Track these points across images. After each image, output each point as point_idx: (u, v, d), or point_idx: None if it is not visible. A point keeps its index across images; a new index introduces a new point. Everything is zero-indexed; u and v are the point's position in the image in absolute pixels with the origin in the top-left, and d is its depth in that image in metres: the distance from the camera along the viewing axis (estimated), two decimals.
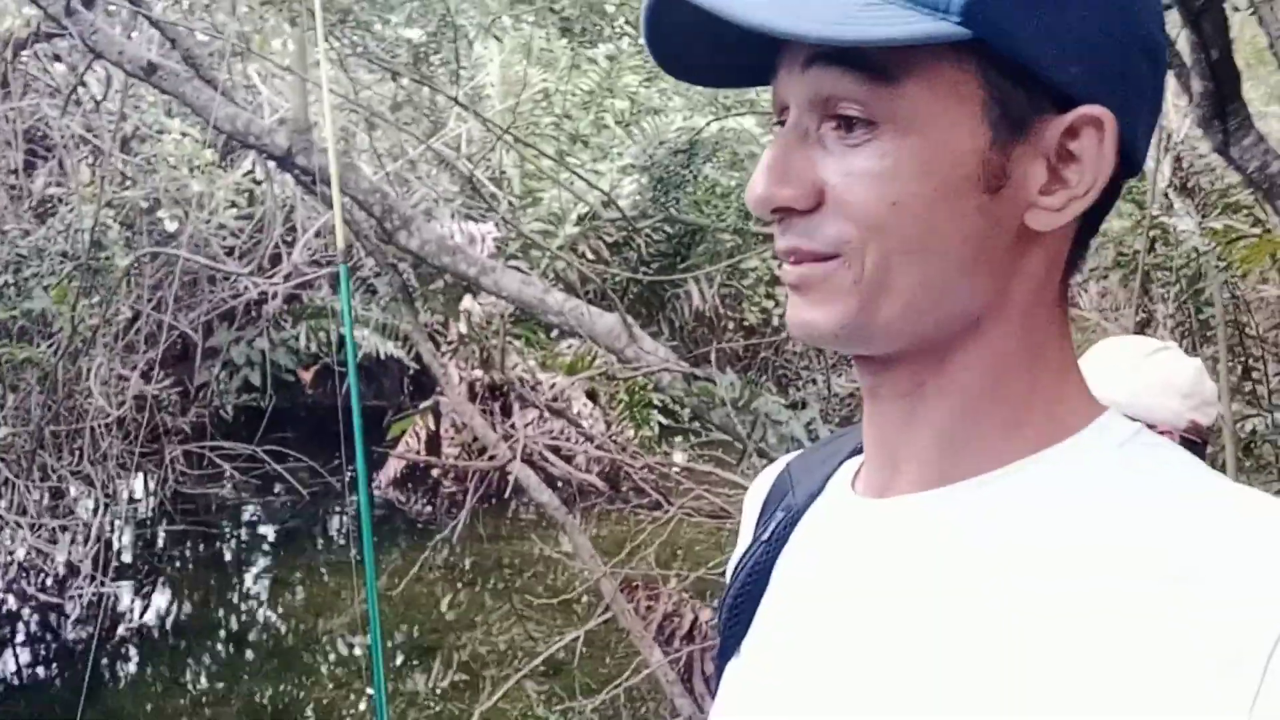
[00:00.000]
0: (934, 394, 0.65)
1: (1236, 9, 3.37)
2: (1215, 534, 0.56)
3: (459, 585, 7.06)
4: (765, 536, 0.78)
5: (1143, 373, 1.63)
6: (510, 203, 7.57)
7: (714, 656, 0.82)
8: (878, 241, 0.61)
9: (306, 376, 8.94)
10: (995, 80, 0.60)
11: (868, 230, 0.61)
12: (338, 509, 8.48)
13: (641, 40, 0.67)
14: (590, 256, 7.68)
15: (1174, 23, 2.83)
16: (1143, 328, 5.14)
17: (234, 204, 7.10)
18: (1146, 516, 0.58)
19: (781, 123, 0.64)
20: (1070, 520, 0.60)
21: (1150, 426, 1.49)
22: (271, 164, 5.42)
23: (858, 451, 0.77)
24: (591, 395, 8.35)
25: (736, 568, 0.81)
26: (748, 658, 0.76)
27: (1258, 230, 4.71)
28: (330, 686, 5.64)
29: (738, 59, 0.67)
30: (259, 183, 7.63)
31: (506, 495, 7.75)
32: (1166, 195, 5.12)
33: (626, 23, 4.76)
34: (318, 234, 7.54)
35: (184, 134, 6.76)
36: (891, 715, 0.61)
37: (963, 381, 0.65)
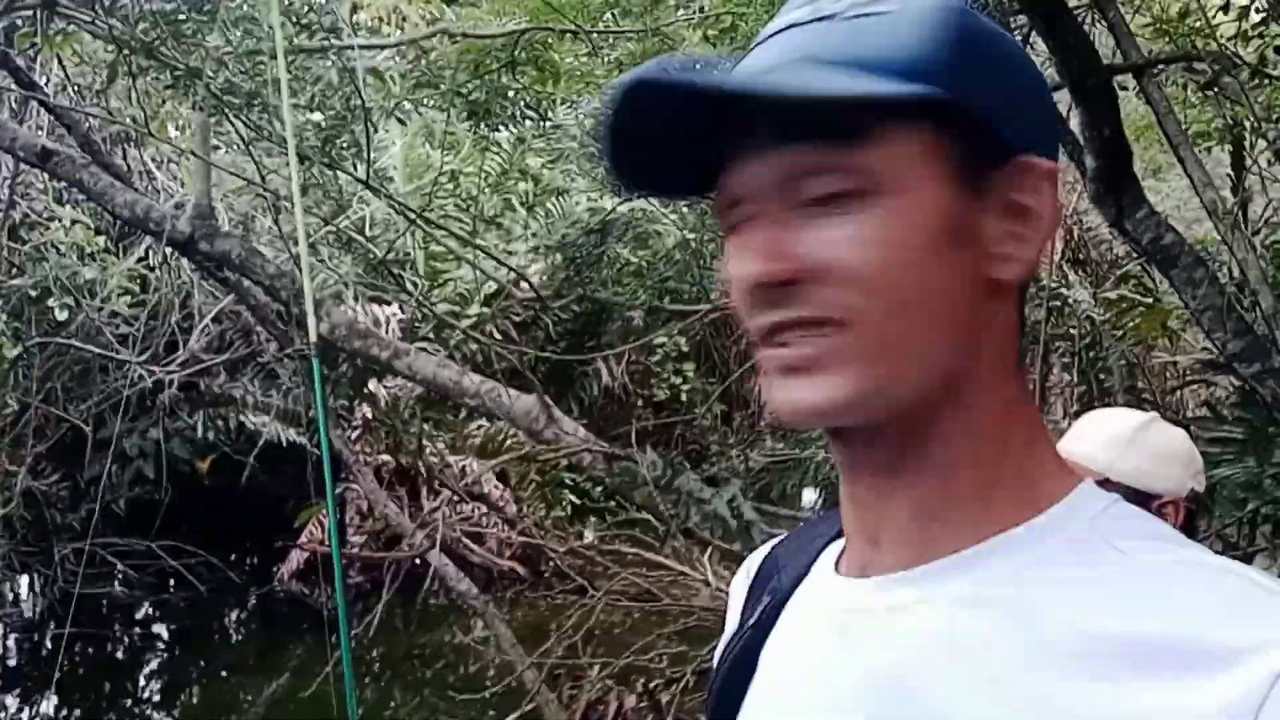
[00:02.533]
0: (912, 468, 0.65)
1: (1124, 88, 3.54)
2: (1197, 610, 0.55)
3: (368, 680, 6.82)
4: (752, 621, 0.78)
5: (1141, 445, 1.65)
6: (415, 284, 7.51)
7: None
8: (876, 305, 0.61)
9: (204, 467, 8.64)
10: (957, 139, 0.62)
11: (865, 295, 0.61)
12: (237, 605, 8.17)
13: (601, 146, 0.66)
14: (498, 336, 7.64)
15: (1065, 101, 2.95)
16: (1044, 395, 5.27)
17: (127, 291, 6.88)
18: (1126, 600, 0.57)
19: (730, 226, 0.65)
20: (1051, 607, 0.59)
21: (1153, 497, 1.49)
22: (168, 249, 5.28)
23: (841, 534, 0.76)
24: (502, 477, 8.24)
25: (724, 654, 0.80)
26: None
27: (1149, 299, 4.90)
28: None
29: (687, 164, 0.67)
30: (153, 269, 7.42)
31: (419, 584, 7.56)
32: (1061, 268, 5.31)
33: (527, 105, 4.82)
34: (216, 319, 7.36)
35: (75, 220, 6.56)
36: None
37: (940, 453, 0.65)
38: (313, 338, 2.78)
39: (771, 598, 0.78)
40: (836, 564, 0.74)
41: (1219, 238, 3.30)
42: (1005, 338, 0.66)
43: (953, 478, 0.64)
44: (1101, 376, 5.22)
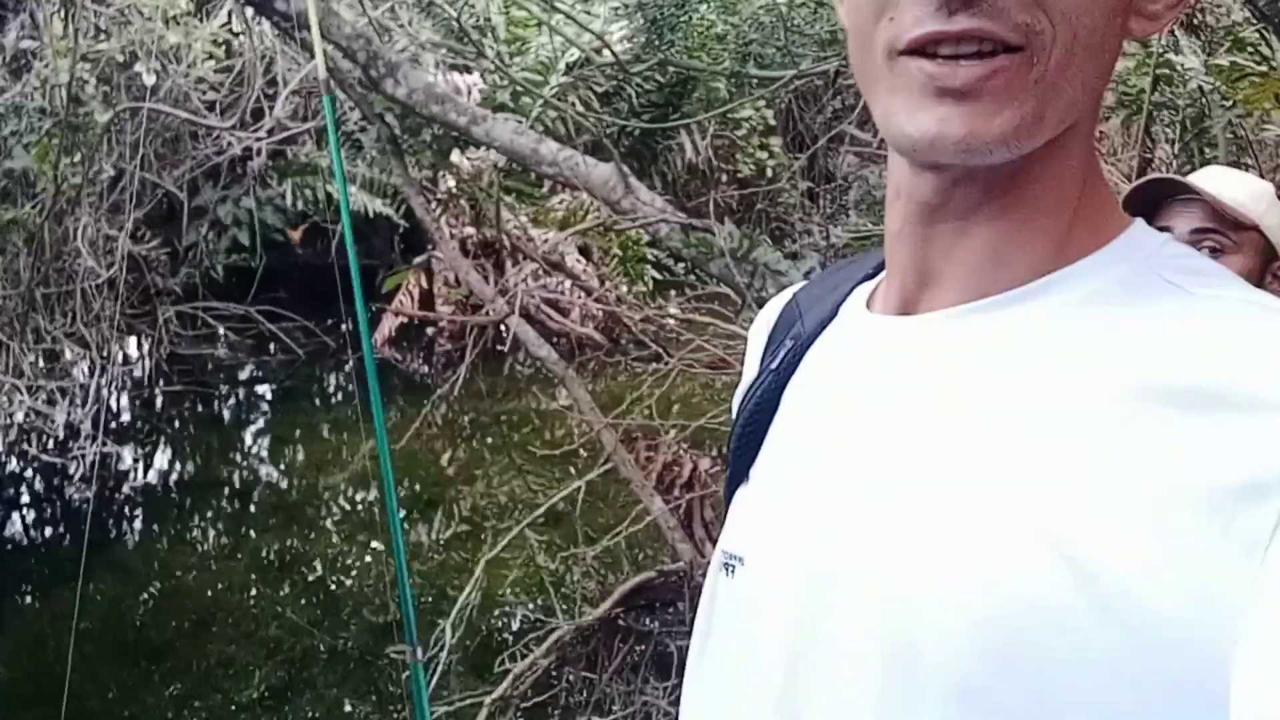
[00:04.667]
0: (997, 211, 0.62)
1: None
2: (1243, 350, 0.54)
3: (458, 440, 7.14)
4: (774, 366, 0.77)
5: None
6: (496, 51, 7.36)
7: (725, 486, 0.81)
8: (1066, 33, 0.57)
9: (296, 236, 8.84)
10: None
11: (1060, 19, 0.56)
12: (334, 367, 8.51)
13: None
14: (580, 107, 7.52)
15: None
16: (1144, 168, 5.07)
17: (212, 56, 6.88)
18: (1174, 333, 0.57)
19: None
20: (1102, 337, 0.58)
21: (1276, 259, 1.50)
22: (249, 12, 5.23)
23: (869, 277, 0.75)
24: (584, 252, 8.29)
25: (744, 398, 0.79)
26: (757, 482, 0.75)
27: (1264, 68, 4.60)
28: (335, 540, 5.75)
29: None
30: (237, 34, 7.38)
31: (503, 352, 7.77)
32: (1172, 32, 4.99)
33: None
34: (299, 89, 7.35)
35: None
36: (909, 529, 0.60)
37: (1030, 196, 0.62)
38: (321, 74, 2.61)
39: (794, 342, 0.77)
40: (869, 305, 0.73)
41: None
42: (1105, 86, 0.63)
43: (1033, 221, 0.62)
44: (1207, 150, 4.99)
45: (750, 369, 0.84)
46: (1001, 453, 0.58)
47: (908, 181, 0.65)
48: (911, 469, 0.61)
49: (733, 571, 0.72)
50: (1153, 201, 1.79)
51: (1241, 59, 4.76)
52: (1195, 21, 4.94)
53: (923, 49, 0.58)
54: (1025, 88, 0.57)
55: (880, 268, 0.73)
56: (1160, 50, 4.19)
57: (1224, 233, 1.72)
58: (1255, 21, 4.30)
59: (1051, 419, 0.57)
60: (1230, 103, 4.44)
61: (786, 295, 0.85)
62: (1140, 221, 0.65)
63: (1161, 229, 1.73)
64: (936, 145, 0.58)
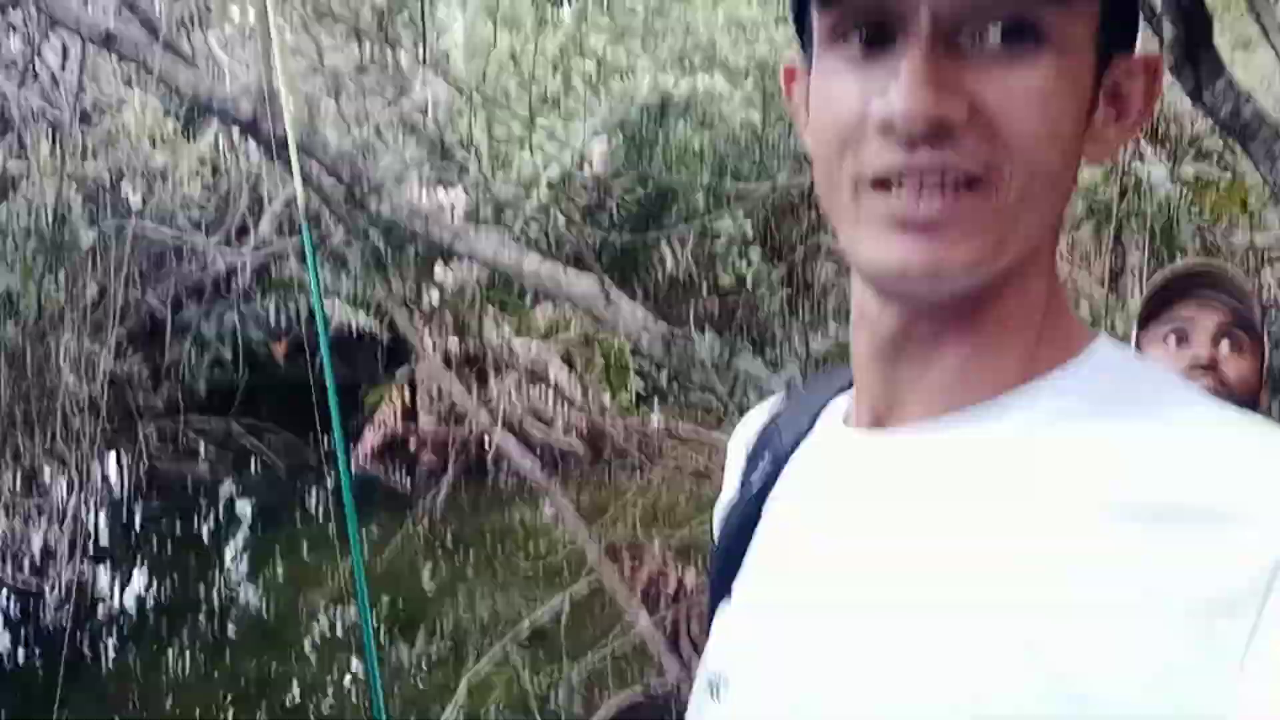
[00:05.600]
0: (963, 334, 0.63)
1: None
2: (1208, 464, 0.55)
3: (439, 556, 7.05)
4: (754, 481, 0.77)
5: None
6: (479, 167, 7.49)
7: (708, 603, 0.80)
8: (1025, 168, 0.58)
9: (279, 350, 8.86)
10: (1116, 7, 0.61)
11: (1019, 155, 0.58)
12: (315, 483, 8.45)
13: None
14: (562, 219, 7.62)
15: None
16: (1115, 277, 5.16)
17: (198, 174, 6.98)
18: (1140, 449, 0.57)
19: (871, 40, 0.59)
20: (1070, 453, 0.59)
21: None
22: (235, 134, 5.33)
23: (844, 389, 0.76)
24: (567, 362, 8.33)
25: (726, 515, 0.80)
26: (739, 599, 0.74)
27: (1228, 174, 4.73)
28: (314, 661, 5.63)
29: None
30: (223, 153, 7.51)
31: (486, 465, 7.74)
32: (1137, 142, 5.13)
33: None
34: (285, 203, 7.45)
35: (144, 105, 6.63)
36: (889, 644, 0.59)
37: (995, 317, 0.63)
38: (301, 205, 2.68)
39: (773, 454, 0.77)
40: (844, 419, 0.73)
41: None
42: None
43: (1002, 335, 0.63)
44: (1177, 257, 5.08)
45: (730, 485, 0.84)
46: (977, 569, 0.58)
47: (872, 312, 0.66)
48: (888, 587, 0.61)
49: (717, 693, 0.71)
50: (1176, 288, 1.79)
51: (1206, 167, 4.89)
52: (1159, 132, 5.09)
53: (886, 182, 0.59)
54: (986, 219, 0.58)
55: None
56: (1125, 160, 4.30)
57: (1246, 331, 1.73)
58: (1216, 132, 4.43)
59: (1024, 536, 0.57)
60: (1199, 209, 4.54)
61: (765, 411, 0.85)
62: (1103, 334, 0.66)
63: (1184, 320, 1.76)
64: (903, 274, 0.59)
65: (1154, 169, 4.79)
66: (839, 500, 0.68)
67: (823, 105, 0.63)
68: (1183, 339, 1.75)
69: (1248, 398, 1.70)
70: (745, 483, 0.79)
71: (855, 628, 0.62)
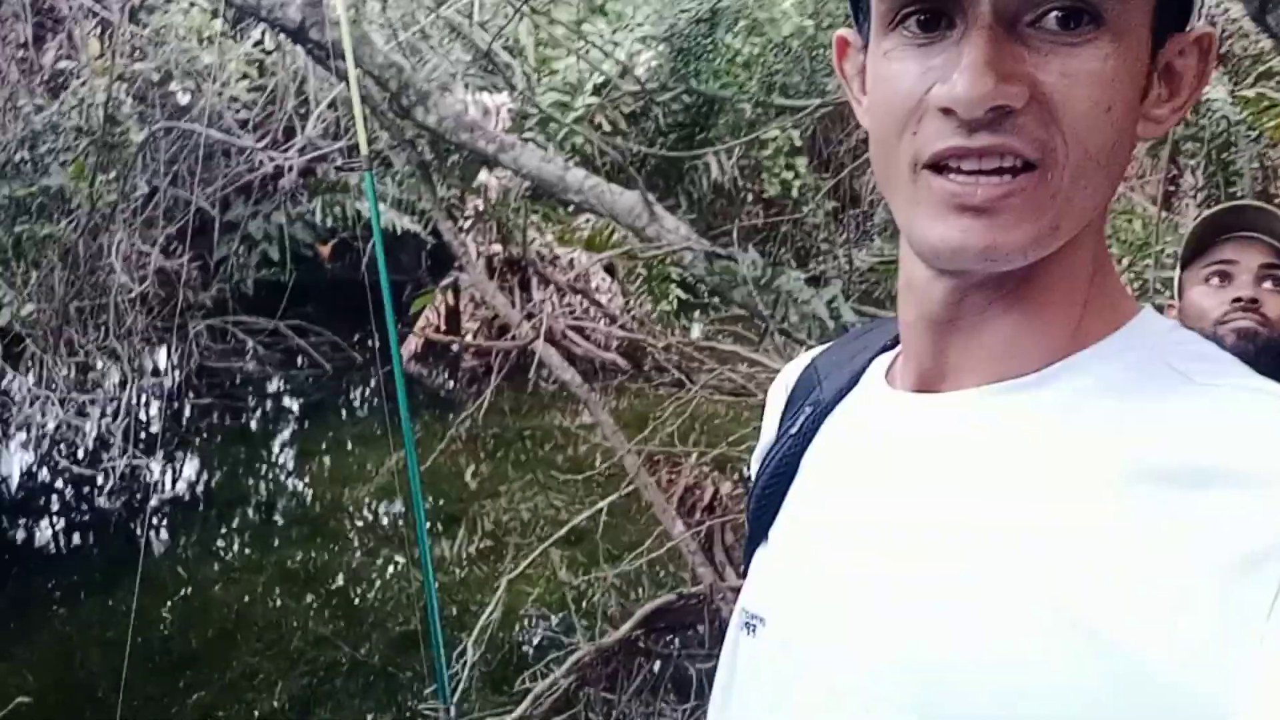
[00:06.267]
0: (1010, 306, 0.65)
1: None
2: (1239, 430, 0.57)
3: (482, 457, 7.17)
4: (793, 430, 0.79)
5: None
6: (525, 74, 7.42)
7: (744, 545, 0.83)
8: (1080, 150, 0.59)
9: (325, 251, 8.93)
10: None
11: (1075, 138, 0.59)
12: (360, 381, 8.58)
13: None
14: (607, 128, 7.56)
15: None
16: (1169, 197, 5.07)
17: (245, 75, 6.98)
18: (1177, 418, 0.59)
19: (929, 24, 0.61)
20: (1112, 422, 0.61)
21: None
22: (282, 35, 5.31)
23: (888, 348, 0.78)
24: (609, 269, 8.32)
25: (763, 460, 0.82)
26: (776, 543, 0.77)
27: None
28: (359, 552, 5.79)
29: None
30: (269, 53, 7.49)
31: (528, 370, 7.80)
32: None
33: None
34: (331, 106, 7.44)
35: (192, 3, 6.62)
36: (925, 597, 0.62)
37: (1042, 290, 0.65)
38: (363, 150, 2.72)
39: (813, 408, 0.79)
40: (887, 378, 0.75)
41: None
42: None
43: (1049, 308, 0.65)
44: (1233, 180, 4.99)
45: (769, 431, 0.86)
46: (1019, 531, 0.60)
47: (921, 282, 0.68)
48: (932, 542, 0.63)
49: (754, 631, 0.74)
50: (1218, 228, 1.79)
51: (1270, 89, 4.76)
52: (1222, 52, 4.95)
53: (944, 164, 0.60)
54: (1042, 202, 0.60)
55: (898, 339, 0.76)
56: None
57: None
58: None
59: (1064, 499, 0.59)
60: (1257, 133, 4.44)
61: (805, 359, 0.87)
62: (1149, 308, 0.68)
63: (1226, 261, 1.75)
64: (959, 254, 0.61)
65: (1214, 88, 4.68)
66: (884, 458, 0.70)
67: (881, 86, 0.64)
68: (1225, 279, 1.75)
69: None
70: (784, 430, 0.81)
71: (892, 578, 0.64)
